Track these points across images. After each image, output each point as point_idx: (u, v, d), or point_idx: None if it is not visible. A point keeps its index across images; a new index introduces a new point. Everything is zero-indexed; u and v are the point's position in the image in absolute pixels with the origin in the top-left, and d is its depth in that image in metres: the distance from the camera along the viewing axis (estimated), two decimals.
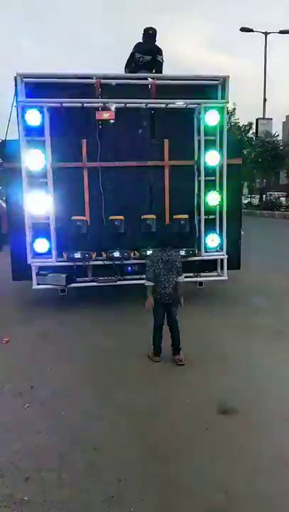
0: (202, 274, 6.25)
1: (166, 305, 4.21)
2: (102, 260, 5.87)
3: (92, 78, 5.84)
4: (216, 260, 6.25)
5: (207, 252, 6.06)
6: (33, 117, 5.48)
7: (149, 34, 6.60)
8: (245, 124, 32.69)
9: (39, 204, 5.63)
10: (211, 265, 6.30)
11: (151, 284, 4.15)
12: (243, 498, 2.40)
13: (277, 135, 30.63)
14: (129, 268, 6.04)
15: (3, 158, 5.89)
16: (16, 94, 5.60)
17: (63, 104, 5.65)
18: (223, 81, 5.98)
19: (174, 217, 6.00)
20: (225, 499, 2.39)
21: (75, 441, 2.92)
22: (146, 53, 6.68)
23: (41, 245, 5.69)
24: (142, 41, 6.74)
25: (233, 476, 2.57)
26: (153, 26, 6.66)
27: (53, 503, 2.35)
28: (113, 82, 5.97)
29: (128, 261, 5.88)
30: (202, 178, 5.90)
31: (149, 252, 5.72)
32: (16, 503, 2.36)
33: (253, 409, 3.33)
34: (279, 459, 2.73)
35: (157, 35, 6.70)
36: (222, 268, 6.19)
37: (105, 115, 5.68)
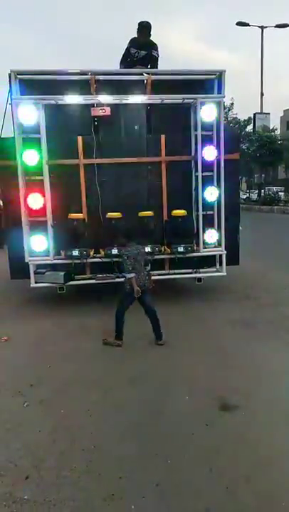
0: (201, 270, 6.23)
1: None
2: (100, 258, 5.84)
3: (87, 74, 5.79)
4: (214, 256, 6.23)
5: (206, 247, 6.04)
6: (28, 115, 5.45)
7: (144, 28, 6.54)
8: (246, 118, 32.59)
9: (36, 202, 5.60)
10: (209, 261, 6.28)
11: (133, 275, 4.42)
12: (244, 494, 2.39)
13: (275, 129, 30.57)
14: None
15: None
16: (11, 91, 5.56)
17: (58, 101, 5.61)
18: (220, 75, 5.94)
19: (172, 213, 5.97)
20: (225, 495, 2.37)
21: (75, 439, 2.91)
22: (142, 48, 6.63)
23: (38, 243, 5.67)
24: (136, 36, 6.69)
25: (234, 472, 2.56)
26: (147, 20, 6.60)
27: (52, 501, 2.34)
28: (108, 78, 5.92)
29: None
30: (199, 173, 5.86)
31: (147, 249, 5.77)
32: (15, 502, 2.35)
33: (254, 405, 3.32)
34: (280, 455, 2.72)
35: (152, 29, 6.64)
36: (221, 264, 6.17)
37: (101, 111, 5.64)
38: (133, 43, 6.68)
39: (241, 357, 4.27)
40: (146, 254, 4.78)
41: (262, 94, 28.12)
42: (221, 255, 6.14)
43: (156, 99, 5.90)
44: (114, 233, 5.53)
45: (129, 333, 4.91)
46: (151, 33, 6.67)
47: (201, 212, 5.94)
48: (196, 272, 6.19)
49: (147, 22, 6.57)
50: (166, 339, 4.56)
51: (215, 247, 6.10)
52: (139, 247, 4.62)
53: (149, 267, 4.80)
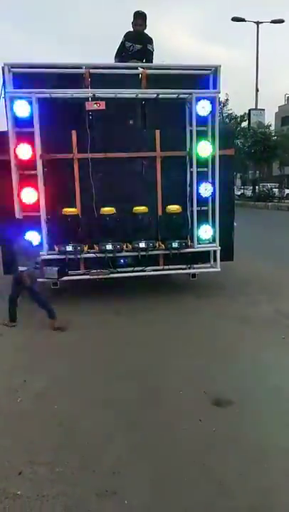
0: (195, 265, 6.23)
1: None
2: (94, 253, 5.82)
3: (81, 68, 5.74)
4: (209, 252, 6.23)
5: (200, 243, 6.04)
6: (22, 108, 5.40)
7: (139, 16, 6.48)
8: (241, 114, 32.55)
9: (29, 197, 5.56)
10: (204, 257, 6.28)
11: (25, 268, 4.84)
12: (237, 490, 2.40)
13: (270, 125, 30.59)
14: (122, 260, 6.01)
15: None
16: (4, 84, 5.49)
17: (52, 95, 5.56)
18: (215, 70, 5.91)
19: (166, 208, 5.96)
20: (219, 491, 2.38)
21: (69, 435, 2.90)
22: (137, 42, 6.57)
23: (32, 238, 5.62)
24: (131, 30, 6.63)
25: (228, 468, 2.57)
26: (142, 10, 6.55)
27: (46, 497, 2.33)
28: (103, 71, 5.87)
29: (120, 253, 5.84)
30: (194, 169, 5.86)
31: (141, 244, 5.77)
32: (8, 497, 2.34)
33: (248, 401, 3.32)
34: (273, 452, 2.73)
35: (148, 21, 6.58)
36: (215, 260, 6.18)
37: (95, 106, 5.60)
38: (128, 36, 6.63)
39: (235, 353, 4.28)
40: (34, 251, 5.10)
41: (257, 90, 28.13)
42: (215, 251, 6.14)
43: (151, 93, 5.86)
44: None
45: (122, 327, 4.92)
46: (148, 27, 6.62)
47: (195, 208, 5.93)
48: (190, 268, 6.20)
49: (143, 11, 6.52)
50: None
51: (209, 242, 6.10)
52: (28, 243, 5.00)
53: (34, 258, 5.04)
